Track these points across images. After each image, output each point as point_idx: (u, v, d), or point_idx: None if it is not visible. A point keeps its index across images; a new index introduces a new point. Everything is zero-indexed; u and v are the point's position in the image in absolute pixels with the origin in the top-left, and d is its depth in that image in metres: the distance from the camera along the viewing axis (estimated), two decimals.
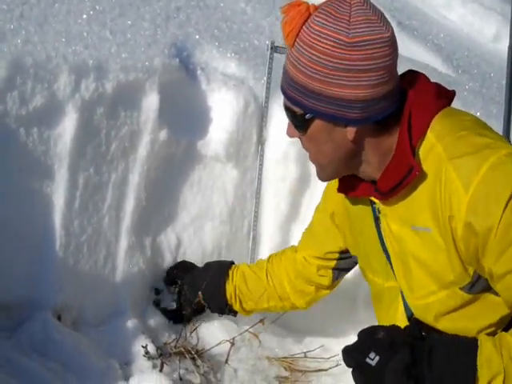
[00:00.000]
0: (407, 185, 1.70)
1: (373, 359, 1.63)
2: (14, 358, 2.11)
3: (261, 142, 2.96)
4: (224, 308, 2.57)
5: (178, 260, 2.75)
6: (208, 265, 2.64)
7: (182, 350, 2.51)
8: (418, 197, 1.72)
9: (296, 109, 1.71)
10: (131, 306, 2.55)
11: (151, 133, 2.62)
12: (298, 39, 1.64)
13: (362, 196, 1.88)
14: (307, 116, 1.69)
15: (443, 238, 1.69)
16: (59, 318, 2.31)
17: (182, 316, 2.64)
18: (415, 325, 1.78)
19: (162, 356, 2.43)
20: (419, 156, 1.71)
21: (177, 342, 2.54)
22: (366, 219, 1.92)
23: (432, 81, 1.79)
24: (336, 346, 2.63)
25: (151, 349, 2.41)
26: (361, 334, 1.70)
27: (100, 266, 2.48)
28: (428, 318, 1.83)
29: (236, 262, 2.63)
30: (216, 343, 2.60)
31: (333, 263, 2.33)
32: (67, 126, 2.36)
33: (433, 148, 1.69)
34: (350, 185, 1.87)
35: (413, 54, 4.16)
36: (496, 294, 1.73)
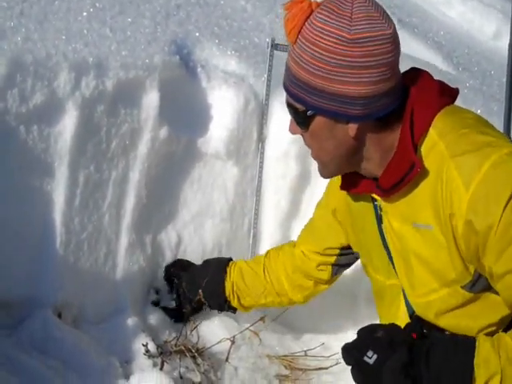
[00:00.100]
0: (409, 182, 1.70)
1: (371, 358, 1.63)
2: (15, 355, 2.11)
3: (261, 139, 2.96)
4: (223, 305, 2.57)
5: (179, 258, 2.75)
6: (207, 262, 2.64)
7: (183, 348, 2.51)
8: (419, 194, 1.72)
9: (298, 105, 1.70)
10: (131, 303, 2.55)
11: (151, 130, 2.62)
12: (300, 36, 1.64)
13: (363, 193, 1.88)
14: (309, 113, 1.69)
15: (444, 236, 1.69)
16: (59, 316, 2.31)
17: (182, 314, 2.64)
18: (417, 322, 1.79)
19: (163, 354, 2.43)
20: (421, 153, 1.71)
21: (177, 340, 2.54)
22: (368, 216, 1.92)
23: (435, 78, 1.79)
24: (336, 344, 2.62)
25: (151, 347, 2.41)
26: (360, 332, 1.71)
27: (100, 264, 2.48)
28: (429, 316, 1.83)
29: (236, 260, 2.62)
30: (216, 341, 2.60)
31: (332, 259, 2.33)
32: (67, 124, 2.36)
33: (435, 145, 1.69)
34: (352, 182, 1.87)
35: (413, 51, 4.16)
36: (497, 293, 1.72)
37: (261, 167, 2.96)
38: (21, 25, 2.45)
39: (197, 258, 2.73)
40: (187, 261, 2.71)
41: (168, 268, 2.70)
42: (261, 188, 2.96)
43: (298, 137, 1.81)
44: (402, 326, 1.74)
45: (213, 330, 2.68)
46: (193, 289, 2.57)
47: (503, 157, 1.61)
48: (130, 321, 2.47)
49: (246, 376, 2.60)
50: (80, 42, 2.51)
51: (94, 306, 2.45)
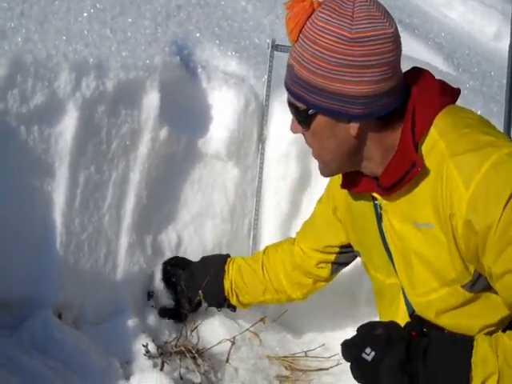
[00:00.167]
0: (409, 180, 1.70)
1: (369, 354, 1.64)
2: (15, 356, 2.11)
3: (261, 140, 2.96)
4: (222, 303, 2.57)
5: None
6: (205, 260, 2.63)
7: (183, 348, 2.50)
8: (419, 193, 1.72)
9: (299, 104, 1.71)
10: (132, 304, 2.54)
11: (152, 131, 2.62)
12: (301, 35, 1.64)
13: (364, 192, 1.88)
14: (310, 112, 1.69)
15: (445, 235, 1.69)
16: (60, 317, 2.30)
17: (181, 313, 2.63)
18: (417, 322, 1.79)
19: (163, 355, 2.42)
20: (422, 152, 1.71)
21: (177, 340, 2.53)
22: (368, 215, 1.92)
23: (436, 78, 1.79)
24: (337, 345, 2.58)
25: (152, 348, 2.40)
26: (360, 329, 1.72)
27: (101, 265, 2.47)
28: (429, 315, 1.83)
29: (234, 257, 2.61)
30: (217, 342, 2.59)
31: (332, 257, 2.33)
32: (68, 124, 2.36)
33: (435, 145, 1.69)
34: (353, 181, 1.88)
35: (413, 52, 4.16)
36: (497, 293, 1.72)
37: (261, 168, 2.96)
38: (21, 25, 2.45)
39: (197, 259, 2.72)
40: (184, 258, 2.70)
41: (165, 265, 2.68)
42: (261, 189, 2.96)
43: (299, 138, 1.81)
44: (402, 324, 1.75)
45: (213, 330, 2.67)
46: (192, 288, 2.57)
47: (503, 157, 1.61)
48: (130, 321, 2.47)
49: (247, 377, 2.59)
50: (80, 43, 2.51)
51: (95, 307, 2.44)
